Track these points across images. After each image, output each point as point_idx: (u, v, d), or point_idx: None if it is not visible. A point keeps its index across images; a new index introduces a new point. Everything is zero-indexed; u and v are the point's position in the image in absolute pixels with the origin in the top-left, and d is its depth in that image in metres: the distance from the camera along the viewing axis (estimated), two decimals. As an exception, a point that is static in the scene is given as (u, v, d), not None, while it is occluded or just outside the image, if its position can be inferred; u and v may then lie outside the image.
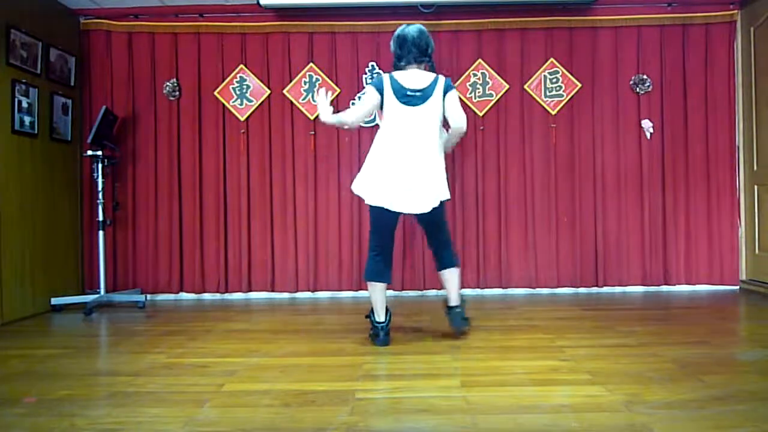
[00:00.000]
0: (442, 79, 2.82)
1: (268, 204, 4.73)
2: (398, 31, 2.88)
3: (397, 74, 2.83)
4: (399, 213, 2.84)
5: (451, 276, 2.99)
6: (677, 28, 4.67)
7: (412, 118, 2.77)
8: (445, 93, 2.80)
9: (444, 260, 3.00)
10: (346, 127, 2.94)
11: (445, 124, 2.93)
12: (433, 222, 2.93)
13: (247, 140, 4.74)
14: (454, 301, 2.97)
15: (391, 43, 2.89)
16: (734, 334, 3.32)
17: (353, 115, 2.87)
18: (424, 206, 2.78)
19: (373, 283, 2.90)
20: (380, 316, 2.90)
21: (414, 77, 2.80)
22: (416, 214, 2.85)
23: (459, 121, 2.83)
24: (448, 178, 2.94)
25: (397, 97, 2.77)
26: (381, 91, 2.80)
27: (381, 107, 2.83)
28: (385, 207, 2.78)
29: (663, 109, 4.67)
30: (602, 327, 3.30)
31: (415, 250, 4.64)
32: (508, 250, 4.68)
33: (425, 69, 2.89)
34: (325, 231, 4.73)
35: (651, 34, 4.68)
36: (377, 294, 2.89)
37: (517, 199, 4.70)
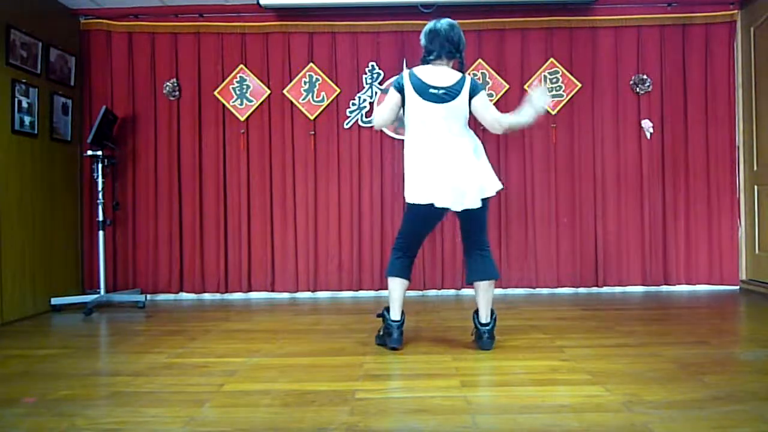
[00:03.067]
0: (468, 79, 2.67)
1: (268, 204, 4.73)
2: (429, 25, 2.73)
3: (418, 70, 2.68)
4: (442, 215, 2.72)
5: (486, 289, 2.75)
6: (677, 28, 4.67)
7: (436, 114, 2.62)
8: (472, 95, 2.67)
9: (481, 269, 2.77)
10: (382, 128, 2.80)
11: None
12: (476, 221, 2.73)
13: (247, 140, 4.74)
14: (484, 318, 2.76)
15: (422, 37, 2.74)
16: (734, 334, 3.32)
17: (377, 116, 2.76)
18: (474, 201, 2.64)
19: (394, 279, 2.79)
20: (396, 315, 2.79)
21: (438, 74, 2.65)
22: (462, 215, 2.71)
23: (494, 124, 2.72)
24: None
25: (419, 94, 2.62)
26: (401, 90, 2.66)
27: (403, 108, 2.71)
28: (436, 204, 2.62)
29: (663, 109, 4.67)
30: (602, 327, 3.30)
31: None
32: (508, 250, 4.68)
33: (454, 66, 2.75)
34: (325, 231, 4.72)
35: (651, 34, 4.68)
36: (397, 291, 2.78)
37: (517, 199, 4.70)
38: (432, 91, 2.62)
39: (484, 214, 2.75)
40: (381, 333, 2.89)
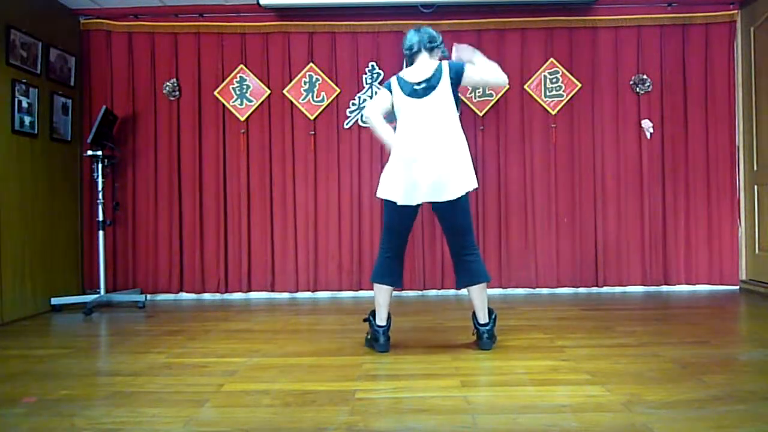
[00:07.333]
0: (446, 64, 2.72)
1: (268, 204, 4.73)
2: (408, 36, 2.88)
3: (403, 72, 2.81)
4: (416, 210, 2.75)
5: (479, 292, 2.75)
6: (677, 28, 4.67)
7: (421, 109, 2.70)
8: (457, 78, 2.70)
9: (468, 274, 2.75)
10: (369, 118, 2.83)
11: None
12: (457, 221, 2.73)
13: (247, 140, 4.74)
14: (482, 318, 2.77)
15: (404, 41, 2.86)
16: (734, 334, 3.32)
17: (368, 108, 2.83)
18: (448, 193, 2.65)
19: (379, 285, 2.79)
20: (382, 320, 2.79)
21: (419, 68, 2.76)
22: (439, 214, 2.75)
23: (497, 81, 2.73)
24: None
25: (405, 92, 2.73)
26: (390, 90, 2.78)
27: (393, 110, 2.80)
28: (405, 203, 2.67)
29: (663, 109, 4.67)
30: (602, 327, 3.30)
31: (415, 250, 4.64)
32: (508, 250, 4.68)
33: (438, 59, 2.83)
34: (325, 231, 4.72)
35: (651, 34, 4.68)
36: (382, 297, 2.78)
37: (517, 199, 4.70)
38: (415, 87, 2.72)
39: (463, 215, 2.75)
40: (369, 337, 2.89)
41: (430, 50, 2.80)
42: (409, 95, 2.72)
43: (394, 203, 2.72)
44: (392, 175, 2.73)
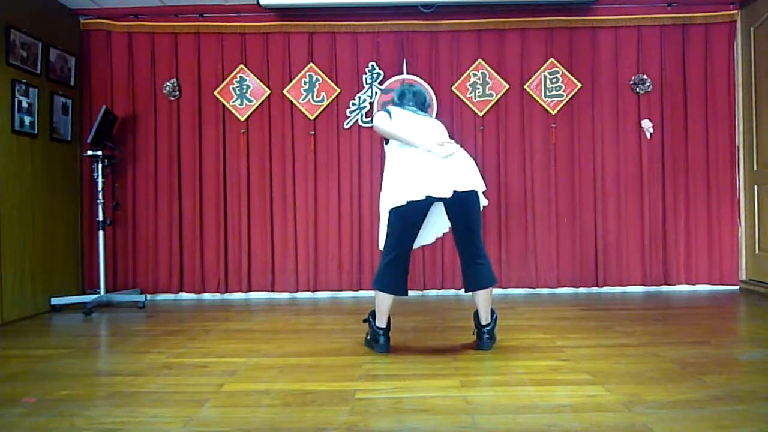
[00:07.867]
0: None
1: (268, 204, 4.73)
2: (399, 88, 3.06)
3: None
4: (425, 215, 2.72)
5: (486, 294, 2.76)
6: (677, 28, 4.67)
7: (424, 119, 2.84)
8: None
9: (477, 278, 2.75)
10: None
11: None
12: (470, 216, 2.71)
13: (247, 140, 4.74)
14: (485, 320, 2.78)
15: (393, 95, 3.04)
16: (734, 334, 3.32)
17: (376, 121, 2.83)
18: (469, 183, 2.65)
19: (384, 294, 2.74)
20: (382, 323, 2.78)
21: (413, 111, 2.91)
22: (452, 210, 2.71)
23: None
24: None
25: (404, 109, 2.87)
26: (389, 114, 2.81)
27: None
28: (420, 198, 2.61)
29: (663, 109, 4.67)
30: (602, 327, 3.30)
31: (414, 250, 4.62)
32: (508, 250, 4.68)
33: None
34: (325, 231, 4.72)
35: (651, 34, 4.68)
36: (385, 302, 2.75)
37: (517, 199, 4.70)
38: (412, 108, 2.90)
39: (476, 211, 2.74)
40: (368, 337, 2.89)
41: (416, 111, 2.90)
42: (408, 110, 2.85)
43: (404, 209, 2.65)
44: (406, 178, 2.65)
